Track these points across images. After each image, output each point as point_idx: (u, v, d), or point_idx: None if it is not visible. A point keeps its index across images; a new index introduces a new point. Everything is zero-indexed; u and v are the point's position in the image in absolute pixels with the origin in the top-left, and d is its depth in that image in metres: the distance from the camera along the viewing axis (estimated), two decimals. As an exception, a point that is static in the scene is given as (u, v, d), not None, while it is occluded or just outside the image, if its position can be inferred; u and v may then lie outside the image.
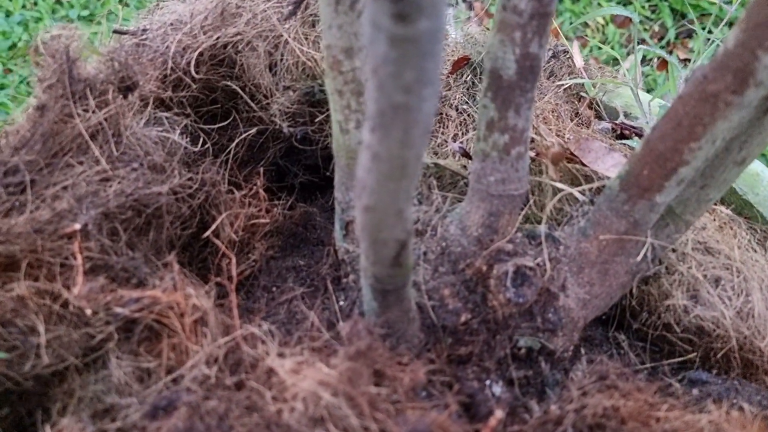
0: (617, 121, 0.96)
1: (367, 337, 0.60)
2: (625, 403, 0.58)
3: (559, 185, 0.71)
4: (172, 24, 0.75)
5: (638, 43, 0.97)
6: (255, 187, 0.76)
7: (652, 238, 0.67)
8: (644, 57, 1.65)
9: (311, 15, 0.78)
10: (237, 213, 0.74)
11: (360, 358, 0.58)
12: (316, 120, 0.79)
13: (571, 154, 0.77)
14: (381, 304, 0.63)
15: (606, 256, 0.67)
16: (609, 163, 0.76)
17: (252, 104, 0.77)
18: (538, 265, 0.68)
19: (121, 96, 0.68)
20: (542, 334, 0.69)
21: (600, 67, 1.02)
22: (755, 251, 0.75)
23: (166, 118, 0.72)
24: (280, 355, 0.60)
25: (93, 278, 0.61)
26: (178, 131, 0.72)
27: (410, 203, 0.50)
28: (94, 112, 0.65)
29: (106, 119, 0.65)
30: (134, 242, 0.66)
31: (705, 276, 0.72)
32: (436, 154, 0.84)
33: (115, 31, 0.76)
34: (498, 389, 0.66)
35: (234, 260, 0.66)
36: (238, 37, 0.74)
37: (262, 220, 0.76)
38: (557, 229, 0.71)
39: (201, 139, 0.76)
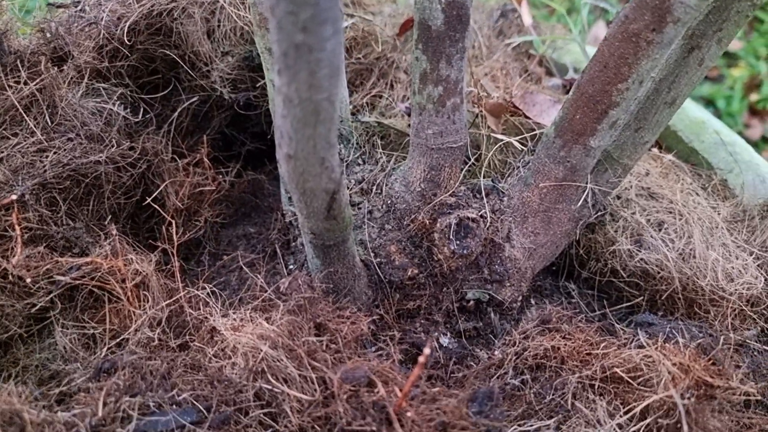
0: (567, 77, 0.97)
1: (307, 291, 0.61)
2: (565, 344, 0.59)
3: (499, 136, 0.71)
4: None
5: None
6: (199, 155, 0.76)
7: (591, 183, 0.67)
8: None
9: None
10: (182, 181, 0.74)
11: (300, 312, 0.58)
12: (258, 85, 0.79)
13: (515, 107, 0.78)
14: (323, 260, 0.64)
15: (548, 204, 0.68)
16: (552, 115, 0.77)
17: (192, 72, 0.77)
18: (481, 216, 0.68)
19: (54, 67, 0.68)
20: (490, 286, 0.70)
21: (552, 25, 1.02)
22: (698, 195, 0.76)
23: (104, 89, 0.72)
24: (224, 315, 0.61)
25: (32, 248, 0.61)
26: (116, 101, 0.72)
27: (334, 151, 0.50)
28: (26, 83, 0.64)
29: (39, 90, 0.65)
30: (75, 212, 0.66)
31: (648, 221, 0.72)
32: (382, 114, 0.85)
33: (49, 4, 0.76)
34: (446, 340, 0.67)
35: (175, 225, 0.66)
36: (173, 4, 0.74)
37: (208, 188, 0.76)
38: (501, 182, 0.72)
39: (142, 110, 0.75)
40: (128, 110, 0.73)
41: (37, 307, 0.59)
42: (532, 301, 0.74)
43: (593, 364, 0.57)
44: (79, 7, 0.75)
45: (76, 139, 0.66)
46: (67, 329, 0.60)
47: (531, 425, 0.54)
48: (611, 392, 0.56)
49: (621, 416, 0.53)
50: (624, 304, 0.73)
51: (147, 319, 0.59)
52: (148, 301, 0.60)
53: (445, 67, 0.63)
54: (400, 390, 0.53)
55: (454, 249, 0.68)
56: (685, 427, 0.50)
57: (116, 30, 0.72)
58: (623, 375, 0.56)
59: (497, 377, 0.58)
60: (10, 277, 0.59)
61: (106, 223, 0.67)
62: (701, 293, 0.68)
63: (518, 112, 0.77)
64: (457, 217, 0.68)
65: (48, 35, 0.67)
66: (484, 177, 0.75)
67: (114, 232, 0.60)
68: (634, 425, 0.53)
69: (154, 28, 0.75)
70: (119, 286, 0.60)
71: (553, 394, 0.56)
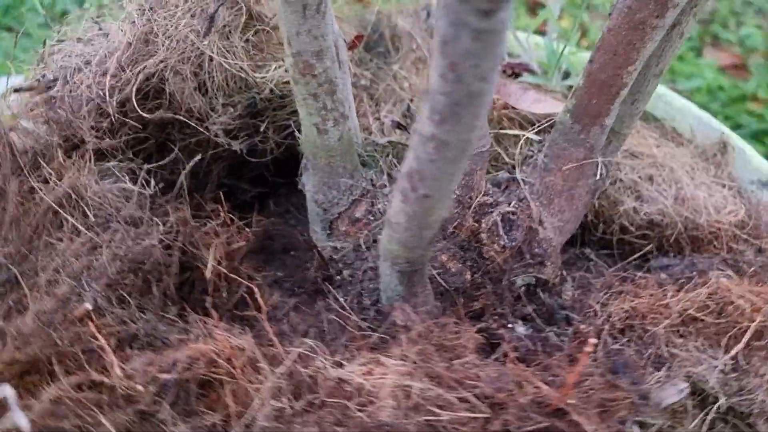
0: (503, 63, 1.04)
1: (417, 318, 0.63)
2: (638, 302, 0.66)
3: (510, 131, 0.77)
4: (86, 65, 0.69)
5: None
6: (222, 214, 0.74)
7: (602, 157, 0.75)
8: None
9: (224, 26, 0.75)
10: (215, 243, 0.71)
11: (423, 340, 0.60)
12: (261, 130, 0.77)
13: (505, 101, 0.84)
14: (407, 286, 0.66)
15: (571, 183, 0.75)
16: (529, 100, 0.84)
17: (188, 130, 0.74)
18: (519, 207, 0.74)
19: (71, 157, 0.63)
20: (533, 269, 0.76)
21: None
22: (665, 146, 0.87)
23: (113, 167, 0.67)
24: (338, 364, 0.61)
25: (123, 354, 0.57)
26: (127, 178, 0.68)
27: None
28: (54, 182, 0.59)
29: (70, 186, 0.60)
30: (142, 304, 0.62)
31: (640, 177, 0.82)
32: (366, 129, 0.87)
33: (15, 90, 0.68)
34: (521, 329, 0.72)
35: (257, 290, 0.65)
36: (162, 65, 0.70)
37: (238, 244, 0.74)
38: (515, 173, 0.78)
39: (150, 179, 0.71)
40: (140, 184, 0.69)
41: (145, 412, 0.56)
42: (563, 273, 0.81)
43: (669, 313, 0.65)
44: (52, 86, 0.68)
45: (120, 227, 0.62)
46: (183, 424, 0.57)
47: (647, 380, 0.61)
48: (694, 332, 0.64)
49: (719, 351, 0.62)
50: (636, 255, 0.83)
51: (270, 391, 0.57)
52: (260, 373, 0.59)
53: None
54: (535, 385, 0.57)
55: (504, 243, 0.73)
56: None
57: (111, 104, 0.67)
58: (697, 315, 0.65)
59: (598, 348, 0.64)
60: (117, 389, 0.55)
61: (170, 306, 0.64)
62: (701, 229, 0.79)
63: (507, 105, 0.84)
64: (499, 213, 0.73)
65: (56, 124, 0.61)
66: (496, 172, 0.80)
67: (213, 312, 0.58)
68: (730, 356, 0.61)
69: (143, 93, 0.71)
70: (229, 366, 0.58)
71: (649, 349, 0.63)
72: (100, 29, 0.73)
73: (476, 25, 0.37)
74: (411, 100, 0.89)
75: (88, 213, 0.60)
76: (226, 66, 0.73)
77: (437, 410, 0.55)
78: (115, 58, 0.67)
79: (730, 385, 0.60)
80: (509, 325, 0.72)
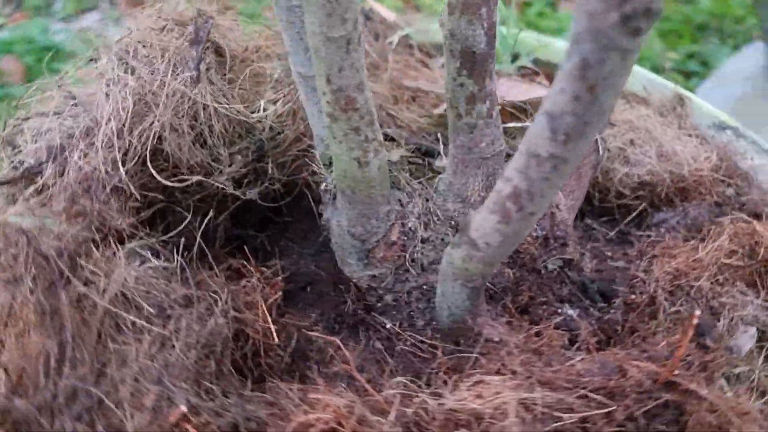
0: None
1: (505, 329, 0.63)
2: (676, 261, 0.71)
3: (516, 124, 0.78)
4: (70, 139, 0.61)
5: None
6: (251, 268, 0.69)
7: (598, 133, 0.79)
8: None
9: (208, 70, 0.69)
10: (256, 302, 0.67)
11: (519, 350, 0.60)
12: (268, 172, 0.73)
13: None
14: (474, 300, 0.65)
15: (586, 167, 0.78)
16: (518, 90, 0.85)
17: (198, 184, 0.68)
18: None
19: (102, 248, 0.56)
20: (557, 251, 0.78)
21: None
22: (632, 107, 0.93)
23: (136, 247, 0.61)
24: (436, 395, 0.59)
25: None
26: (150, 255, 0.62)
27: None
28: (104, 282, 0.53)
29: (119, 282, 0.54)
30: (222, 387, 0.57)
31: (623, 143, 0.87)
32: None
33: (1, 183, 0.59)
34: (571, 311, 0.74)
35: (340, 343, 0.62)
36: (157, 124, 0.64)
37: (273, 298, 0.70)
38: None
39: (172, 251, 0.65)
40: (163, 259, 0.63)
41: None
42: (578, 248, 0.84)
43: (704, 265, 0.70)
44: (46, 172, 0.60)
45: (179, 313, 0.56)
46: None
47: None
48: (731, 278, 0.70)
49: (760, 290, 0.67)
50: (633, 215, 0.88)
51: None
52: (372, 427, 0.57)
53: (489, 83, 0.67)
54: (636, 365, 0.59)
55: (536, 234, 0.75)
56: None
57: (127, 180, 0.60)
58: (729, 261, 0.70)
59: (658, 313, 0.68)
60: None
61: (245, 381, 0.60)
62: (686, 180, 0.85)
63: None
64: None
65: (81, 217, 0.54)
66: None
67: (319, 380, 0.55)
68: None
69: (142, 159, 0.65)
70: (342, 427, 0.55)
71: (701, 303, 0.68)
72: (73, 98, 0.64)
73: (626, 45, 0.37)
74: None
75: (143, 306, 0.54)
76: (224, 112, 0.68)
77: (562, 415, 0.56)
78: (110, 127, 0.60)
79: (782, 319, 0.66)
80: (559, 311, 0.74)
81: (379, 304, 0.74)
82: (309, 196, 0.79)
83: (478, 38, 0.64)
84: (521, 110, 0.85)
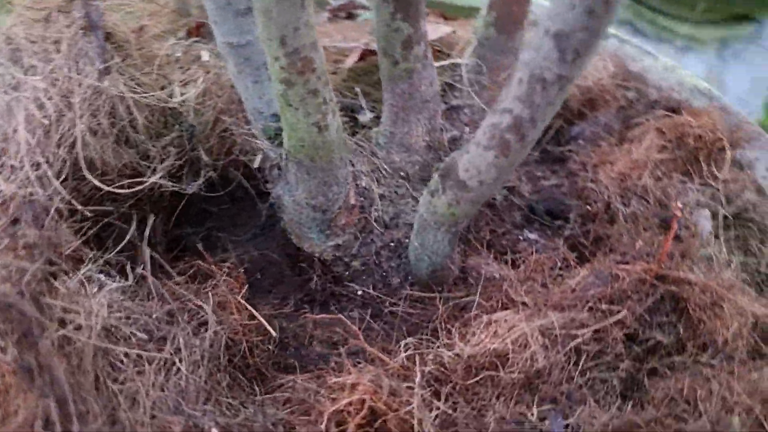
0: (332, 6, 1.01)
1: (497, 266, 0.62)
2: (617, 166, 0.74)
3: (440, 63, 0.76)
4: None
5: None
6: (211, 267, 0.63)
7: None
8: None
9: (111, 58, 0.61)
10: (228, 300, 0.62)
11: (519, 280, 0.60)
12: (202, 158, 0.66)
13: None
14: (454, 245, 0.64)
15: (506, 90, 0.78)
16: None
17: (130, 188, 0.60)
18: (473, 131, 0.75)
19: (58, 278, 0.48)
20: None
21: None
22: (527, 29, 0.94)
23: (91, 270, 0.53)
24: (449, 347, 0.58)
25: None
26: (104, 276, 0.55)
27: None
28: (82, 323, 0.46)
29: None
30: (238, 397, 0.52)
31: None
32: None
33: None
34: (532, 235, 0.75)
35: (344, 319, 0.58)
36: (75, 130, 0.55)
37: (241, 291, 0.65)
38: (449, 101, 0.78)
39: (123, 268, 0.58)
40: (116, 279, 0.56)
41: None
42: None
43: (641, 163, 0.74)
44: None
45: (171, 334, 0.50)
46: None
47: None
48: (668, 170, 0.74)
49: (695, 176, 0.72)
50: (551, 134, 0.90)
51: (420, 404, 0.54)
52: (398, 395, 0.54)
53: (423, 24, 0.65)
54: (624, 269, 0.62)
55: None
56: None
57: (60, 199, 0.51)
58: (662, 156, 0.74)
59: (617, 217, 0.71)
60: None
61: (258, 390, 0.55)
62: (592, 91, 0.89)
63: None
64: (467, 141, 0.74)
65: (32, 249, 0.45)
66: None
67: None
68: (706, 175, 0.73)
69: (64, 176, 0.56)
70: (377, 401, 0.52)
71: (651, 197, 0.72)
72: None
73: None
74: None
75: (130, 334, 0.48)
76: (144, 101, 0.60)
77: (577, 332, 0.57)
78: (25, 141, 0.51)
79: (720, 197, 0.71)
80: (521, 238, 0.75)
81: (347, 273, 0.71)
82: (242, 178, 0.73)
83: (410, -23, 0.61)
84: (437, 50, 0.83)
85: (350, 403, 0.51)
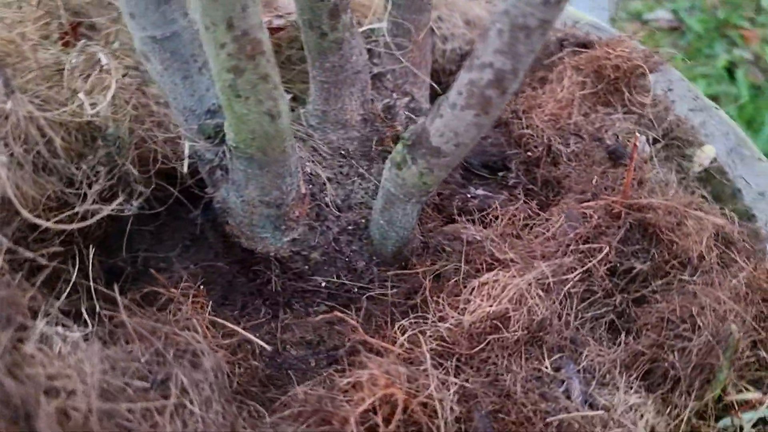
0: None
1: (474, 228, 0.61)
2: (545, 110, 0.75)
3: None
4: None
5: None
6: (167, 292, 0.57)
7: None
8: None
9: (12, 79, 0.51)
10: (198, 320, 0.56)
11: (500, 238, 0.59)
12: (128, 171, 0.58)
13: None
14: (419, 215, 0.62)
15: (423, 49, 0.76)
16: None
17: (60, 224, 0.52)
18: (405, 93, 0.73)
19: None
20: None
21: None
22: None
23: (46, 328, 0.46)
24: (442, 319, 0.56)
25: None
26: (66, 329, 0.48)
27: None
28: (74, 387, 0.40)
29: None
30: (253, 425, 0.48)
31: (434, 21, 0.87)
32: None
33: None
34: (479, 191, 0.75)
35: (342, 315, 0.53)
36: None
37: (204, 311, 0.59)
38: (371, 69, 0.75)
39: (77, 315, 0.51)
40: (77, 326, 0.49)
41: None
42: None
43: (569, 104, 0.76)
44: None
45: (171, 374, 0.44)
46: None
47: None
48: (593, 104, 0.76)
49: (618, 106, 0.75)
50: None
51: (436, 380, 0.52)
52: (416, 380, 0.52)
53: (346, -10, 0.61)
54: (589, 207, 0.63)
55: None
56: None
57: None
58: (584, 92, 0.76)
59: (559, 158, 0.72)
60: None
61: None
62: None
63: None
64: (401, 108, 0.71)
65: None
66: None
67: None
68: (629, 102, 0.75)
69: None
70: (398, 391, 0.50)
71: (586, 131, 0.73)
72: None
73: None
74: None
75: (126, 385, 0.41)
76: (57, 119, 0.52)
77: (568, 276, 0.57)
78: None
79: (654, 119, 0.75)
80: (470, 195, 0.74)
81: (307, 267, 0.67)
82: (170, 188, 0.66)
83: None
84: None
85: (377, 400, 0.48)
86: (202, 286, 0.61)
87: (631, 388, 0.53)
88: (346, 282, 0.67)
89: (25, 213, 0.43)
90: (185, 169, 0.64)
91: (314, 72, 0.65)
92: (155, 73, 0.54)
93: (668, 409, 0.52)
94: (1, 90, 0.48)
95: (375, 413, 0.48)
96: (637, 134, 0.65)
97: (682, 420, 0.51)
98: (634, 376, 0.54)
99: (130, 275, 0.63)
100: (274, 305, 0.67)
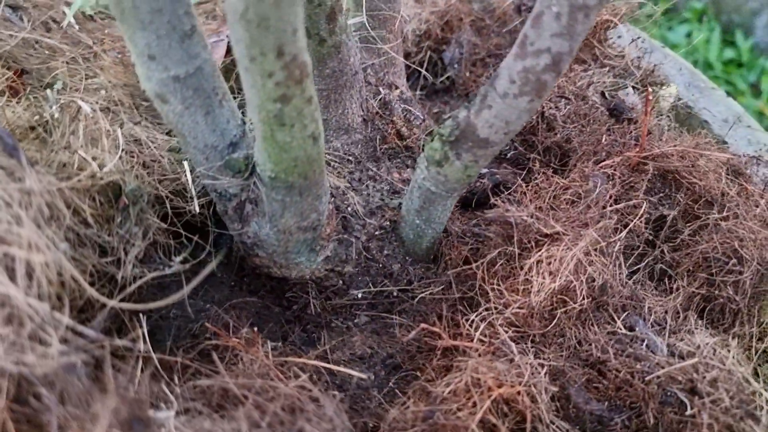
0: None
1: (514, 207, 0.61)
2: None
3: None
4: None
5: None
6: (228, 342, 0.53)
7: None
8: None
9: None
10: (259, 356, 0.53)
11: (544, 212, 0.60)
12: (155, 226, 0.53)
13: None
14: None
15: (400, 40, 0.74)
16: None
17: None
18: (395, 87, 0.71)
19: None
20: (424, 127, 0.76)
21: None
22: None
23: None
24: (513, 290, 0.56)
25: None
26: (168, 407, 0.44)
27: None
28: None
29: None
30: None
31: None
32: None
33: None
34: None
35: (429, 326, 0.52)
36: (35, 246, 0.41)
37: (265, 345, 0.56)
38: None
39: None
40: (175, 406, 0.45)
41: None
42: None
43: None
44: None
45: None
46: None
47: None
48: (574, 64, 0.78)
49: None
50: (426, 65, 0.89)
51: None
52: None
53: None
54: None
55: (420, 120, 0.71)
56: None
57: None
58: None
59: (549, 118, 0.73)
60: None
61: None
62: (447, 13, 0.89)
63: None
64: (396, 100, 0.69)
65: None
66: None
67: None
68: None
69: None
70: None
71: (569, 95, 0.75)
72: None
73: None
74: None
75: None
76: (77, 186, 0.47)
77: (615, 237, 0.59)
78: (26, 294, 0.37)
79: (628, 68, 0.77)
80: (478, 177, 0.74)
81: (342, 282, 0.64)
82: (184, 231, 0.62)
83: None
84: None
85: (495, 402, 0.48)
86: (255, 329, 0.57)
87: (697, 328, 0.55)
88: (384, 288, 0.65)
89: (93, 292, 0.39)
90: (197, 209, 0.59)
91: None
92: (173, 115, 0.49)
93: (736, 341, 0.55)
94: (20, 168, 0.42)
95: (491, 415, 0.47)
96: (628, 89, 0.67)
97: (753, 348, 0.55)
98: (695, 317, 0.57)
99: (173, 332, 0.59)
100: (316, 327, 0.65)
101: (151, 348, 0.48)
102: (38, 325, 0.37)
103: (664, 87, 0.83)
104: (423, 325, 0.55)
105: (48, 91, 0.58)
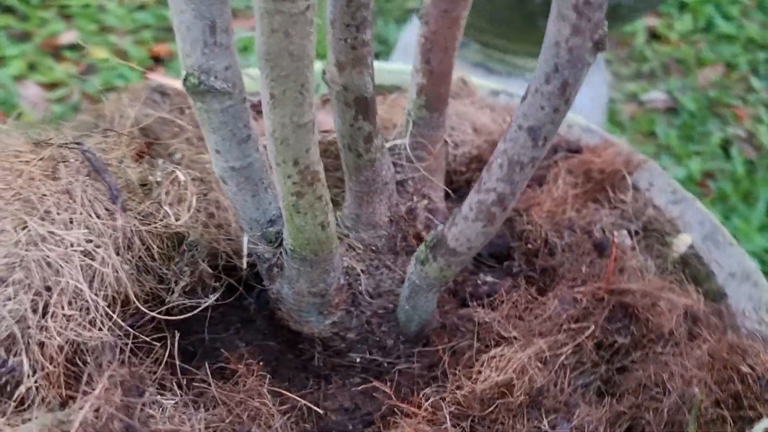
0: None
1: (482, 311, 0.74)
2: (543, 206, 0.89)
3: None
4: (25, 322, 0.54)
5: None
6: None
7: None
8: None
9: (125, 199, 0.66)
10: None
11: (505, 319, 0.72)
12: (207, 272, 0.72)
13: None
14: (438, 301, 0.75)
15: (439, 159, 0.91)
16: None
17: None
18: (422, 198, 0.87)
19: None
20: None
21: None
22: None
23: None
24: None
25: None
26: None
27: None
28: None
29: None
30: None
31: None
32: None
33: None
34: (489, 278, 0.88)
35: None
36: (115, 271, 0.61)
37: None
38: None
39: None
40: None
41: None
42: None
43: (563, 201, 0.90)
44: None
45: None
46: None
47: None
48: (583, 202, 0.90)
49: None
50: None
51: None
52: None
53: (377, 120, 0.76)
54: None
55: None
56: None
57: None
58: (576, 191, 0.91)
59: (555, 250, 0.85)
60: None
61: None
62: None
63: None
64: (422, 210, 0.86)
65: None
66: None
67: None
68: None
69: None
70: None
71: (575, 230, 0.87)
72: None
73: (591, 61, 0.50)
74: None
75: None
76: (156, 231, 0.66)
77: (562, 351, 0.70)
78: (71, 287, 0.56)
79: (634, 213, 0.88)
80: (479, 282, 0.87)
81: (344, 345, 0.80)
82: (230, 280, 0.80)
83: (368, 85, 0.72)
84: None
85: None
86: (261, 362, 0.73)
87: (616, 443, 0.65)
88: (377, 358, 0.79)
89: (143, 308, 0.57)
90: (244, 265, 0.78)
91: (350, 184, 0.80)
92: (230, 193, 0.68)
93: (647, 462, 0.64)
94: (116, 210, 0.63)
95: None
96: (615, 231, 0.79)
97: (658, 470, 0.63)
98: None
99: (199, 353, 0.76)
100: (317, 377, 0.80)
101: (176, 355, 0.66)
102: (96, 315, 0.56)
103: (678, 236, 0.93)
104: (375, 383, 0.69)
105: (160, 160, 0.80)
